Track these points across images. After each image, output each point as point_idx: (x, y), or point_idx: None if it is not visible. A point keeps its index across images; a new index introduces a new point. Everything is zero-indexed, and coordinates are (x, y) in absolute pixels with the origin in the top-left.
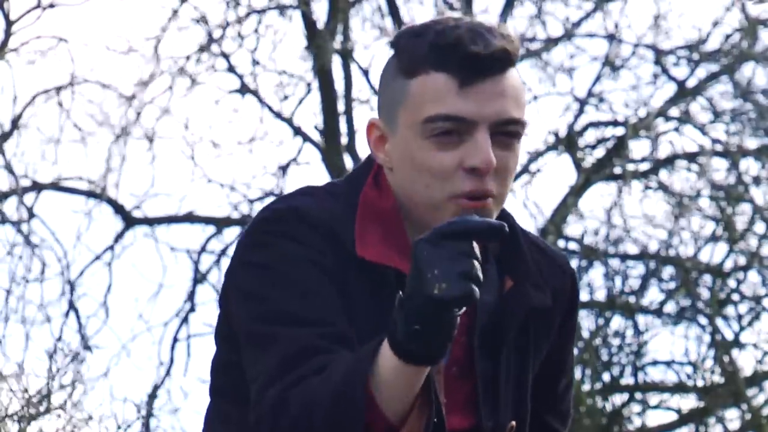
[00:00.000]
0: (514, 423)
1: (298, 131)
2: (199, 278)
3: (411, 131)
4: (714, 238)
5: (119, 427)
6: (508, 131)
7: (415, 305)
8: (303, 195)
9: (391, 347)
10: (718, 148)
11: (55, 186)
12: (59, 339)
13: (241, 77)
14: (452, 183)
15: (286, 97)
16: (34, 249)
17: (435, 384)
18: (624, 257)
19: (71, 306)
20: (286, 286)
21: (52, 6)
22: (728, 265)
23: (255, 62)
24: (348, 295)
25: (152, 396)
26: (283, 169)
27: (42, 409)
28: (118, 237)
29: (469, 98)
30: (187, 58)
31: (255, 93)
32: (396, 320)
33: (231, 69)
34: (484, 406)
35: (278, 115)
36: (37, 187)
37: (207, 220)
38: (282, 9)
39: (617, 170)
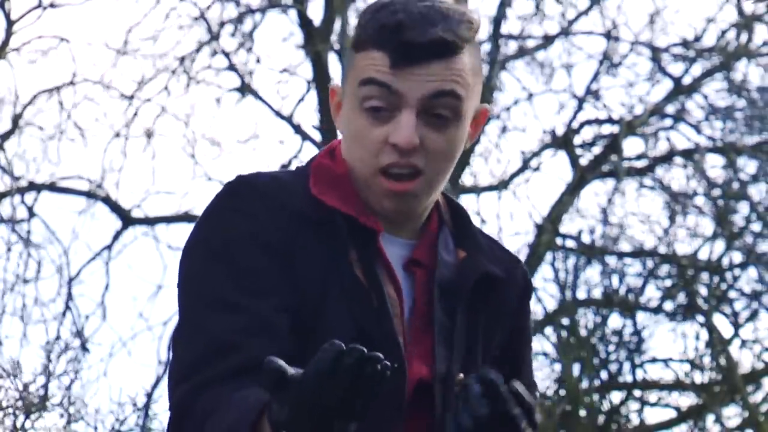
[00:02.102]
0: (462, 375)
1: (297, 129)
2: None
3: (351, 101)
4: (714, 236)
5: (117, 420)
6: (438, 113)
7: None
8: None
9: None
10: (714, 145)
11: (54, 187)
12: (57, 338)
13: (241, 76)
14: (378, 157)
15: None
16: (29, 248)
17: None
18: (621, 255)
19: (68, 305)
20: (223, 267)
21: (52, 6)
22: (725, 262)
23: (256, 60)
24: (295, 249)
25: (150, 395)
26: (285, 167)
27: (39, 405)
28: (116, 236)
29: (399, 77)
30: (182, 59)
31: (255, 91)
32: (277, 407)
33: (231, 67)
34: (439, 352)
35: (278, 113)
36: (35, 187)
37: None
38: (278, 7)
39: (614, 167)
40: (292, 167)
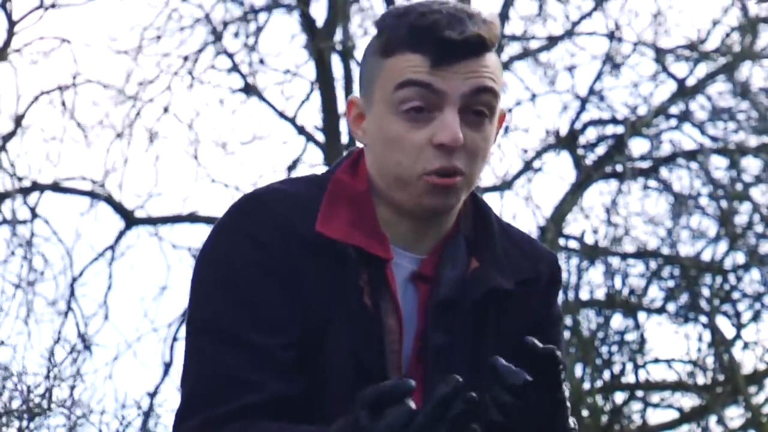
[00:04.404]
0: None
1: (301, 131)
2: None
3: (384, 106)
4: (717, 238)
5: (121, 425)
6: (477, 109)
7: None
8: (279, 182)
9: None
10: (718, 146)
11: (57, 187)
12: (58, 339)
13: (244, 76)
14: (422, 160)
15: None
16: (32, 249)
17: None
18: (624, 256)
19: (71, 306)
20: (231, 298)
21: (54, 6)
22: (728, 263)
23: (259, 61)
24: (304, 278)
25: (152, 395)
26: (289, 169)
27: (44, 406)
28: (119, 237)
29: (439, 76)
30: (185, 58)
31: (258, 92)
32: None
33: (235, 68)
34: (434, 375)
35: (282, 114)
36: (38, 187)
37: (210, 220)
38: (282, 8)
39: (618, 168)
40: (296, 168)
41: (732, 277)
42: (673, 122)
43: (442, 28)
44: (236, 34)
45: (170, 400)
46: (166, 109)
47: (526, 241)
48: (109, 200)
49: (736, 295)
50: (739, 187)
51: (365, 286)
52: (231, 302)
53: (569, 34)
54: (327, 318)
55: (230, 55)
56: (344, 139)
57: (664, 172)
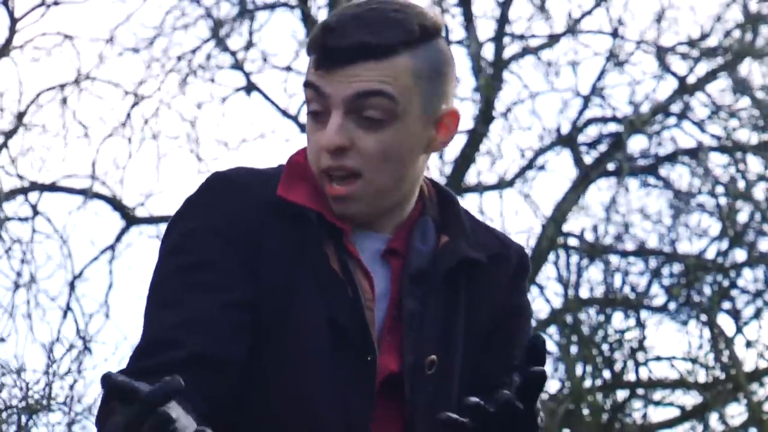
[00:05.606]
0: (434, 357)
1: (304, 129)
2: None
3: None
4: (721, 236)
5: None
6: (367, 114)
7: None
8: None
9: None
10: (718, 144)
11: (57, 186)
12: (58, 337)
13: (247, 74)
14: (320, 159)
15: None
16: (33, 247)
17: None
18: (624, 253)
19: (69, 305)
20: (177, 262)
21: (56, 3)
22: (729, 261)
23: (263, 59)
24: (267, 241)
25: None
26: None
27: (42, 405)
28: (119, 236)
29: (325, 79)
30: (184, 58)
31: (261, 90)
32: None
33: (237, 66)
34: (406, 341)
35: (284, 112)
36: (38, 187)
37: None
38: (283, 6)
39: (618, 166)
40: None
41: (733, 275)
42: (674, 120)
43: (328, 33)
44: (238, 32)
45: None
46: (167, 107)
47: (492, 229)
48: (108, 199)
49: (736, 292)
50: (740, 184)
51: (331, 254)
52: (174, 266)
53: (571, 31)
54: (291, 281)
55: (232, 53)
56: None
57: (663, 170)
